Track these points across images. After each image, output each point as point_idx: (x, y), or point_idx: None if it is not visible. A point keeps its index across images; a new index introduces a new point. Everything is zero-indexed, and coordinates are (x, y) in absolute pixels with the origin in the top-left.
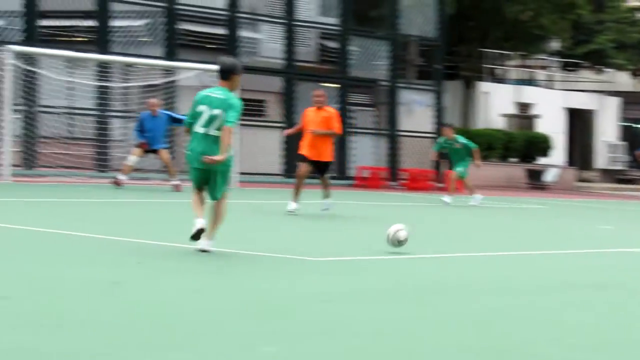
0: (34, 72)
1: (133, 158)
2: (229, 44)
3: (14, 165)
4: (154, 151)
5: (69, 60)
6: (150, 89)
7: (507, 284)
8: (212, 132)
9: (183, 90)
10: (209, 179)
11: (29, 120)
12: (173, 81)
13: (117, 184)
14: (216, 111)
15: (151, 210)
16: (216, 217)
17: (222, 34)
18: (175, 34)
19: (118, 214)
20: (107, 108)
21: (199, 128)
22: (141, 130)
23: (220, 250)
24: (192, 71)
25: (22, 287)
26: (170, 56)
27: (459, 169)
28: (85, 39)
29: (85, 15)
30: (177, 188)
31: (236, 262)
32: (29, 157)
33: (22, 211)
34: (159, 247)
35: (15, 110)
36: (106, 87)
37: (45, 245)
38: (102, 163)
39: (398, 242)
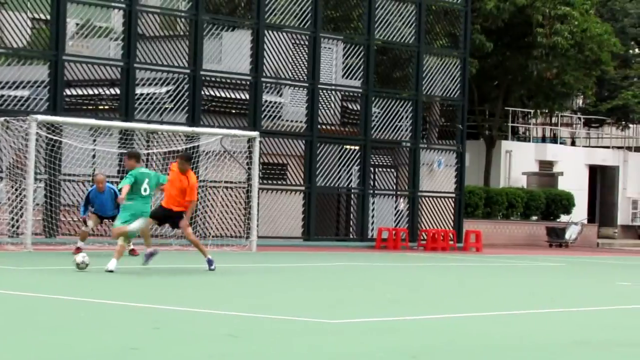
0: (57, 141)
1: (90, 223)
2: (252, 109)
3: (35, 234)
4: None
5: (93, 128)
6: (173, 155)
7: (525, 341)
8: None
9: (205, 156)
10: None
11: (51, 189)
12: (196, 147)
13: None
14: None
15: (165, 276)
16: None
17: (245, 99)
18: (198, 99)
19: (137, 280)
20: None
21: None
22: (87, 204)
23: (239, 315)
24: (214, 136)
25: (37, 356)
26: (193, 122)
27: None
28: (109, 107)
29: (110, 83)
30: (133, 252)
31: (257, 327)
32: (50, 225)
33: (43, 279)
34: (175, 312)
35: (38, 179)
36: None
37: (58, 312)
38: None
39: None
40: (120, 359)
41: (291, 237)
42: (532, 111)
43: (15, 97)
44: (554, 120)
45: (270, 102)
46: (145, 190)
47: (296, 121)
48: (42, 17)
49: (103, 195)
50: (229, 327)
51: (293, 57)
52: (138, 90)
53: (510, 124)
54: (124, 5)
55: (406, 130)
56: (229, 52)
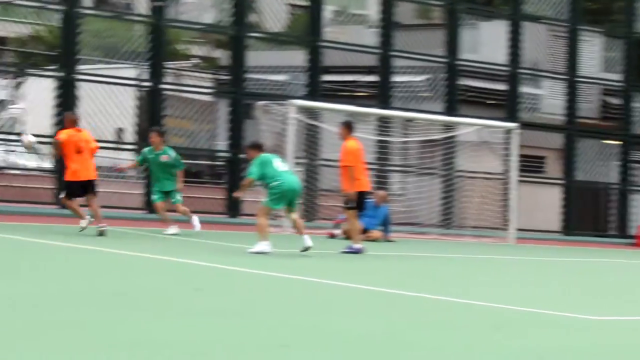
0: (315, 126)
1: None
2: (510, 100)
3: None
4: None
5: (350, 114)
6: (429, 144)
7: None
8: None
9: (462, 146)
10: None
11: (310, 173)
12: (452, 137)
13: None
14: None
15: (421, 264)
16: None
17: (503, 90)
18: (455, 89)
19: (408, 269)
20: (387, 162)
21: None
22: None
23: (498, 306)
24: (471, 127)
25: (301, 337)
26: (450, 112)
27: None
28: (366, 94)
29: (368, 70)
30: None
31: (518, 319)
32: (310, 210)
33: (307, 264)
34: (436, 301)
35: (297, 163)
36: (386, 141)
37: (325, 296)
38: None
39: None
40: (385, 344)
41: (549, 231)
42: None
43: (275, 81)
44: None
45: (528, 93)
46: (279, 167)
47: (554, 114)
48: (300, 3)
49: (377, 209)
50: (491, 319)
51: (551, 48)
52: (395, 78)
53: None
54: None
55: None
56: (485, 42)
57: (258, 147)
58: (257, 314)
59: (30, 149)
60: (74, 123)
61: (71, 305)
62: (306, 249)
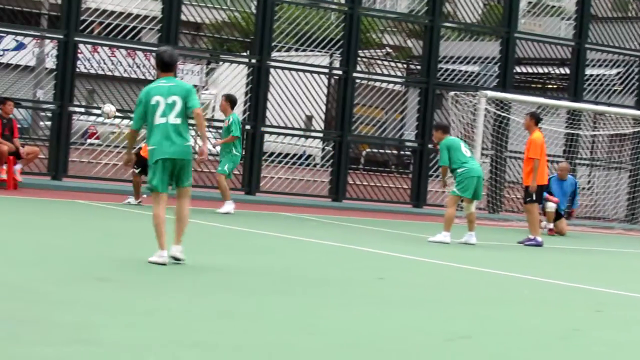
0: (504, 118)
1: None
2: None
3: (479, 209)
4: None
5: (540, 106)
6: (618, 138)
7: None
8: (172, 120)
9: None
10: (177, 171)
11: (497, 165)
12: None
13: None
14: (172, 98)
15: (603, 258)
16: (183, 221)
17: None
18: None
19: (590, 262)
20: (575, 156)
21: (158, 119)
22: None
23: None
24: None
25: (482, 328)
26: None
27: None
28: (557, 86)
29: (560, 63)
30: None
31: None
32: (495, 201)
33: (485, 254)
34: (617, 295)
35: (484, 154)
36: (575, 134)
37: (504, 287)
38: None
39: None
40: (564, 339)
41: None
42: None
43: (466, 72)
44: None
45: None
46: (466, 152)
47: None
48: None
49: (563, 183)
50: None
51: None
52: (587, 71)
53: None
54: None
55: None
56: None
57: (444, 129)
58: (437, 305)
59: (111, 118)
60: None
61: (258, 291)
62: (470, 244)
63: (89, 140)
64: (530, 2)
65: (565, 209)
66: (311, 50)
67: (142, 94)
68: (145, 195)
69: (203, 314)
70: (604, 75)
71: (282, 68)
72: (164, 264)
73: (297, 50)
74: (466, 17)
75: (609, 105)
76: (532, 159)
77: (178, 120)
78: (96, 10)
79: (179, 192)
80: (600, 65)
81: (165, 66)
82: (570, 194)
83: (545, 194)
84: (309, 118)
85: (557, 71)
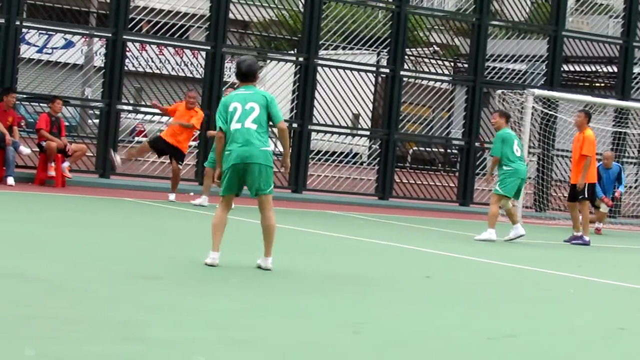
0: (551, 116)
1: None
2: None
3: (525, 207)
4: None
5: (588, 105)
6: None
7: None
8: (248, 125)
9: None
10: (251, 177)
11: (544, 163)
12: None
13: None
14: (250, 105)
15: None
16: (268, 232)
17: None
18: None
19: (622, 260)
20: (622, 154)
21: (234, 124)
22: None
23: None
24: None
25: (527, 327)
26: None
27: None
28: (605, 85)
29: (607, 61)
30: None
31: None
32: (542, 200)
33: (531, 252)
34: None
35: (531, 153)
36: (623, 133)
37: (545, 286)
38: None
39: None
40: (609, 338)
41: None
42: None
43: (513, 70)
44: None
45: None
46: (517, 150)
47: None
48: None
49: (609, 171)
50: None
51: None
52: (635, 70)
53: None
54: None
55: None
56: None
57: (506, 116)
58: (482, 303)
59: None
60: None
61: (303, 289)
62: (520, 235)
63: (136, 138)
64: (578, 0)
65: (611, 193)
66: (358, 49)
67: (222, 102)
68: (192, 193)
69: (249, 312)
70: None
71: (330, 66)
72: (212, 265)
73: (344, 48)
74: (513, 15)
75: None
76: (585, 156)
77: (254, 126)
78: (144, 8)
79: (259, 202)
80: None
81: (243, 76)
82: (615, 179)
83: (602, 195)
84: (356, 116)
85: (604, 69)
